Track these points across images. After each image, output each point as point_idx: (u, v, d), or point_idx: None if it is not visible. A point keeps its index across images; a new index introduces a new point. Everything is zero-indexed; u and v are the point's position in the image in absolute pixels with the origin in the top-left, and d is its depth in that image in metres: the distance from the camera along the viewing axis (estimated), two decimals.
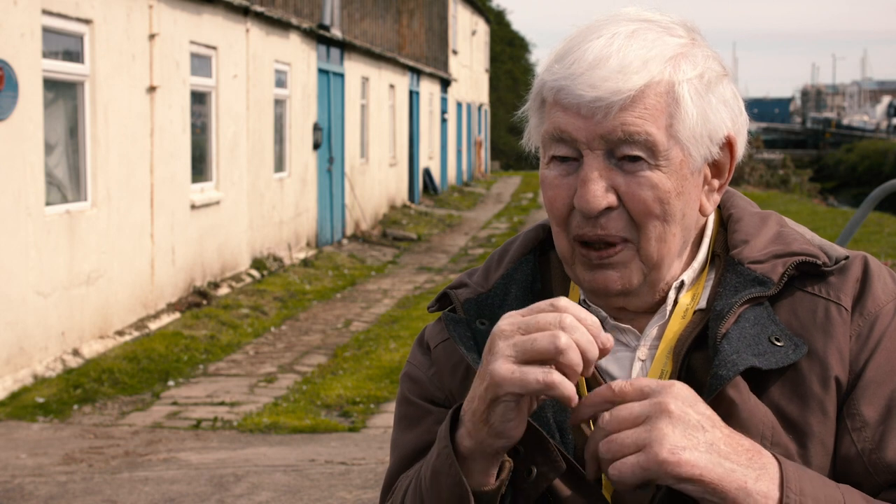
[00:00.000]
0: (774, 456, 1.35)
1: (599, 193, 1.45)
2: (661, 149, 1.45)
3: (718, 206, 1.62)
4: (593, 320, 1.34)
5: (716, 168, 1.54)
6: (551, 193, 1.50)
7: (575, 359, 1.32)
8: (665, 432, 1.29)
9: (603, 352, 1.35)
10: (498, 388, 1.34)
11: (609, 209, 1.46)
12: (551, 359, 1.31)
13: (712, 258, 1.59)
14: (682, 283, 1.55)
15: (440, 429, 1.46)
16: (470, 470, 1.43)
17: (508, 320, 1.36)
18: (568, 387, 1.32)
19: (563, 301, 1.35)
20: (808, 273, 1.51)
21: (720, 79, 1.51)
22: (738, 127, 1.53)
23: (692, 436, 1.30)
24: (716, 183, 1.55)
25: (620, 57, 1.44)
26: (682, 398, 1.32)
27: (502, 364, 1.33)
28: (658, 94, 1.45)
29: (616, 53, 1.45)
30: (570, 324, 1.32)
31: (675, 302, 1.54)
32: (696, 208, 1.53)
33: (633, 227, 1.48)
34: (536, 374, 1.31)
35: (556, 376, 1.31)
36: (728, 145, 1.53)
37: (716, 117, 1.49)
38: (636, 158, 1.45)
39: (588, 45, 1.46)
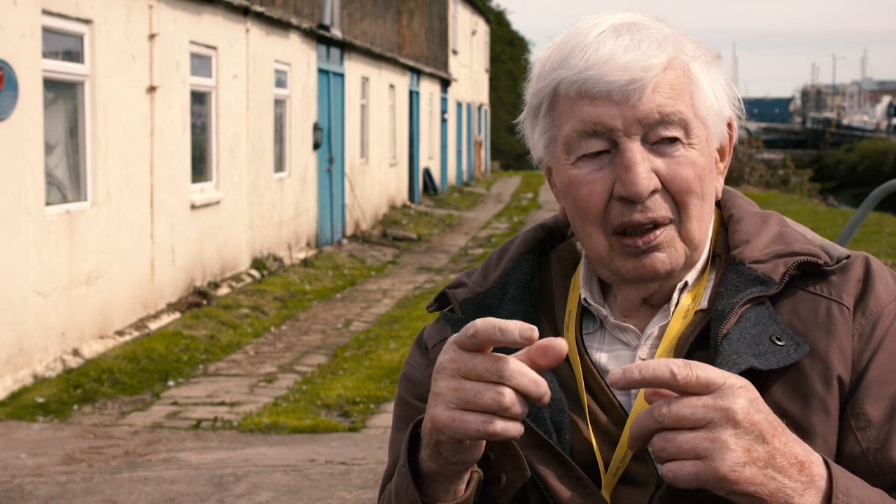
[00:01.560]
0: (825, 461, 1.34)
1: (646, 176, 1.45)
2: (693, 127, 1.48)
3: (718, 206, 1.63)
4: (523, 329, 1.26)
5: (720, 150, 1.57)
6: (586, 190, 1.49)
7: (518, 410, 1.29)
8: (729, 445, 1.25)
9: (556, 357, 1.29)
10: (439, 434, 1.33)
11: (653, 193, 1.47)
12: (492, 412, 1.29)
13: (713, 258, 1.59)
14: (686, 283, 1.55)
15: (402, 446, 1.46)
16: (434, 488, 1.43)
17: (448, 355, 1.32)
18: (512, 430, 1.29)
19: (479, 325, 1.28)
20: (809, 273, 1.51)
21: (715, 61, 1.54)
22: (734, 110, 1.57)
23: (754, 449, 1.26)
24: (721, 165, 1.58)
25: (636, 42, 1.46)
26: (750, 401, 1.27)
27: (442, 410, 1.31)
28: (677, 73, 1.48)
29: (629, 40, 1.46)
30: (510, 371, 1.28)
31: (677, 302, 1.54)
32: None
33: (675, 207, 1.48)
34: (477, 423, 1.29)
35: (497, 426, 1.28)
36: (729, 126, 1.57)
37: (721, 96, 1.53)
38: (673, 139, 1.47)
39: (595, 39, 1.47)
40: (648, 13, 1.55)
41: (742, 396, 1.27)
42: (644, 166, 1.45)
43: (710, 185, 1.51)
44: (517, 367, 1.28)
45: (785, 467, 1.29)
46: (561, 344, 1.29)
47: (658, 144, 1.47)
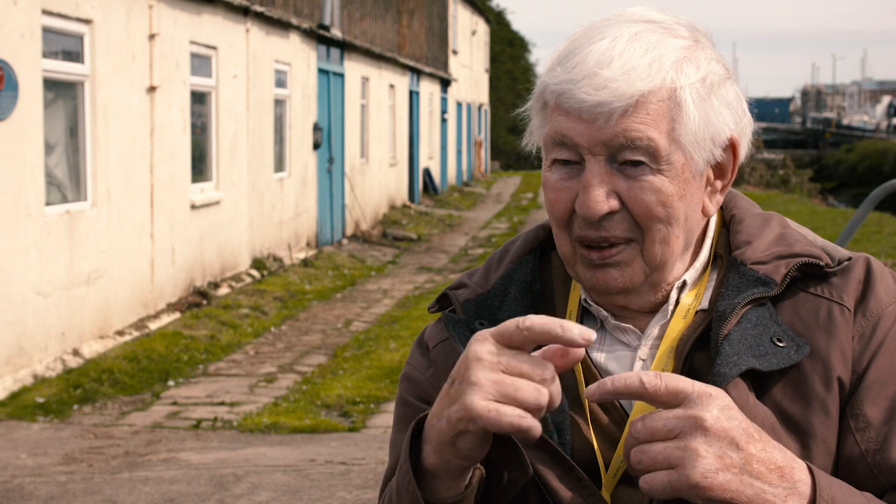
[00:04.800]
0: (809, 468, 1.34)
1: (601, 199, 1.45)
2: (662, 154, 1.45)
3: (721, 207, 1.62)
4: (584, 330, 1.30)
5: (719, 170, 1.54)
6: (553, 196, 1.51)
7: (545, 411, 1.32)
8: (699, 452, 1.27)
9: (574, 360, 1.34)
10: (471, 423, 1.33)
11: (611, 213, 1.46)
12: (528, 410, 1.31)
13: (714, 259, 1.59)
14: (685, 283, 1.55)
15: (403, 443, 1.46)
16: (436, 484, 1.43)
17: (486, 347, 1.34)
18: (538, 430, 1.32)
19: (535, 319, 1.31)
20: (810, 274, 1.51)
21: (723, 81, 1.51)
22: (742, 128, 1.53)
23: (727, 455, 1.27)
24: (718, 184, 1.55)
25: (623, 61, 1.44)
26: (720, 409, 1.29)
27: (479, 400, 1.31)
28: (660, 99, 1.45)
29: (618, 57, 1.44)
30: (552, 376, 1.32)
31: (677, 302, 1.54)
32: (699, 210, 1.53)
33: (636, 228, 1.48)
34: (512, 417, 1.30)
35: (530, 422, 1.30)
36: (731, 147, 1.53)
37: (718, 120, 1.49)
38: (638, 163, 1.45)
39: (590, 48, 1.46)
40: (675, 16, 1.52)
41: (712, 405, 1.29)
42: (600, 189, 1.45)
43: (682, 209, 1.49)
44: (555, 375, 1.32)
45: (762, 473, 1.29)
46: (579, 352, 1.33)
47: (624, 165, 1.46)
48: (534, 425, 1.31)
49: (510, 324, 1.32)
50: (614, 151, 1.45)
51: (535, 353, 1.34)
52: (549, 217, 1.55)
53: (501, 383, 1.31)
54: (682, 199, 1.48)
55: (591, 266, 1.50)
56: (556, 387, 1.32)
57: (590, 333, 1.29)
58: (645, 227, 1.47)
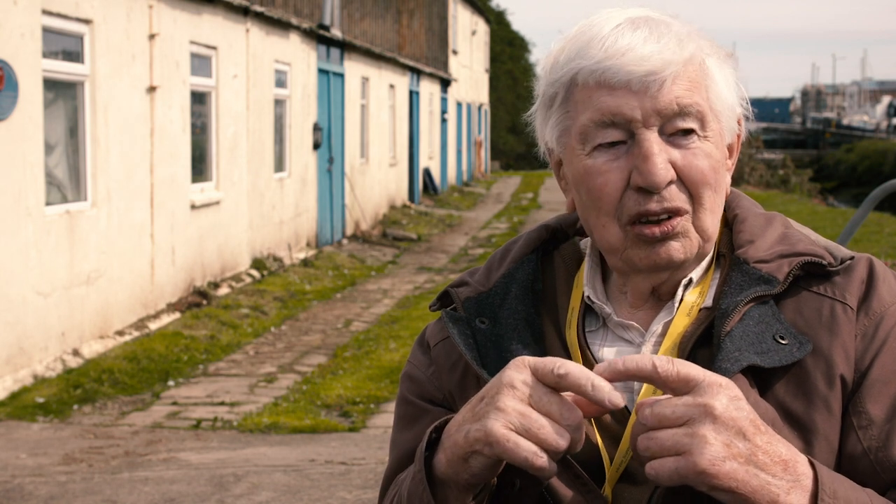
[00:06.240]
0: (811, 462, 1.34)
1: (663, 166, 1.46)
2: (708, 119, 1.49)
3: (723, 207, 1.63)
4: (613, 396, 1.31)
5: (730, 147, 1.58)
6: (601, 180, 1.49)
7: (561, 455, 1.33)
8: (708, 440, 1.27)
9: (602, 412, 1.36)
10: (486, 447, 1.34)
11: (670, 183, 1.47)
12: (545, 450, 1.32)
13: (717, 257, 1.59)
14: (691, 280, 1.55)
15: (417, 449, 1.46)
16: (445, 493, 1.43)
17: (522, 376, 1.34)
18: (551, 471, 1.32)
19: (572, 369, 1.31)
20: (813, 273, 1.52)
21: (727, 59, 1.56)
22: (744, 109, 1.58)
23: (733, 444, 1.28)
24: (729, 163, 1.58)
25: (655, 35, 1.47)
26: (729, 399, 1.29)
27: (501, 427, 1.32)
28: (694, 67, 1.49)
29: (647, 33, 1.47)
30: (578, 424, 1.32)
31: (681, 299, 1.55)
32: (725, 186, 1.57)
33: (689, 199, 1.49)
34: (528, 452, 1.31)
35: (544, 462, 1.31)
36: (738, 124, 1.58)
37: (732, 95, 1.54)
38: (688, 132, 1.47)
39: (613, 31, 1.47)
40: (662, 10, 1.56)
41: (722, 394, 1.29)
42: (662, 157, 1.46)
43: (723, 178, 1.52)
44: (581, 423, 1.33)
45: (767, 465, 1.30)
46: (613, 408, 1.33)
47: (674, 136, 1.48)
48: (547, 466, 1.31)
49: (549, 362, 1.33)
50: (665, 121, 1.47)
51: (566, 394, 1.34)
52: (591, 208, 1.52)
53: (526, 417, 1.32)
54: (723, 168, 1.53)
55: (649, 243, 1.49)
56: (580, 434, 1.33)
57: (618, 399, 1.30)
58: (696, 196, 1.49)
